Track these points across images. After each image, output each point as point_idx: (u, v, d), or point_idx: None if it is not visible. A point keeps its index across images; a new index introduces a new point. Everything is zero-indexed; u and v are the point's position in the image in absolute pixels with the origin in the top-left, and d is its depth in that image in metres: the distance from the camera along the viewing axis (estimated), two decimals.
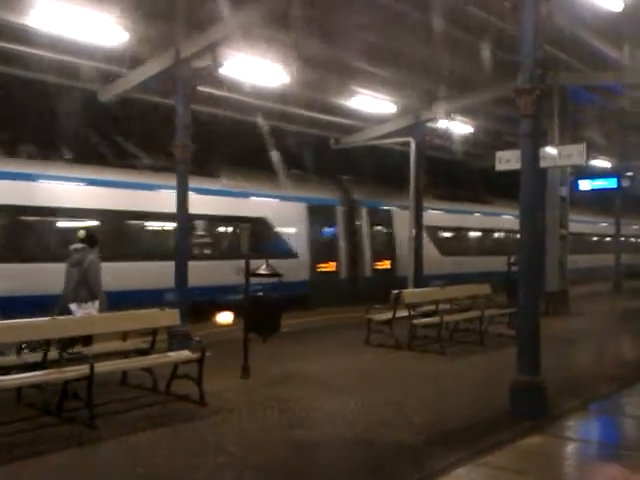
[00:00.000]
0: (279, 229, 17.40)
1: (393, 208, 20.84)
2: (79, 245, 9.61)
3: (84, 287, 9.31)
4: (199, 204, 13.72)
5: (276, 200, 17.60)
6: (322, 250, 18.66)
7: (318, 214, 18.74)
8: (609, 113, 19.55)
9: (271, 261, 9.25)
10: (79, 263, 9.43)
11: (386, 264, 20.55)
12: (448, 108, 17.12)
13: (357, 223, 20.01)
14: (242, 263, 9.31)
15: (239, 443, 6.29)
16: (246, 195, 16.75)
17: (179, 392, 7.77)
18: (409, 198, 17.78)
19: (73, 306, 9.19)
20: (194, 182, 12.66)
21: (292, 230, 17.87)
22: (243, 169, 17.38)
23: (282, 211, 17.68)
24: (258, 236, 16.69)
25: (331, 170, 20.24)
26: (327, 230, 19.35)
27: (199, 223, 15.66)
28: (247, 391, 8.41)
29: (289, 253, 17.21)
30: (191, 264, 12.05)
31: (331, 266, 18.92)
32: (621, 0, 11.88)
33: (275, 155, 17.47)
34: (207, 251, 16.09)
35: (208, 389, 7.72)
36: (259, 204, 17.08)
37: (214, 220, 16.27)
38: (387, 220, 21.12)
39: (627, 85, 16.49)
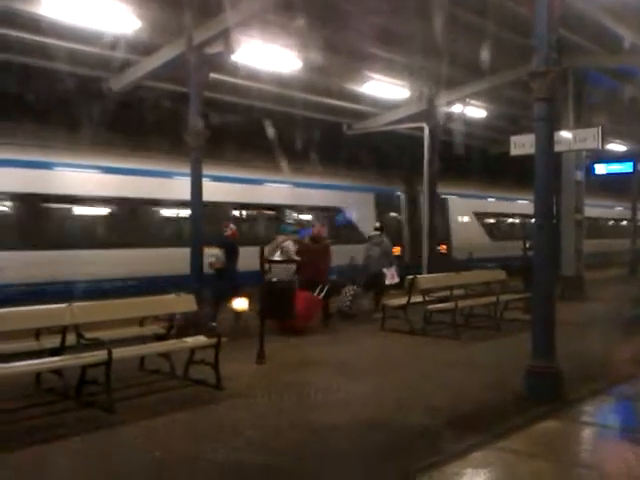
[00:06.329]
0: None
1: None
2: (377, 232, 14.29)
3: (385, 258, 13.84)
4: None
5: None
6: None
7: None
8: (625, 96, 19.29)
9: None
10: (380, 244, 14.00)
11: None
12: (462, 93, 17.01)
13: None
14: None
15: (256, 426, 6.34)
16: None
17: (196, 377, 7.84)
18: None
19: (385, 270, 13.60)
20: None
21: None
22: None
23: None
24: None
25: None
26: None
27: None
28: (263, 376, 8.46)
29: None
30: None
31: None
32: None
33: None
34: None
35: (224, 374, 7.77)
36: None
37: None
38: None
39: None
